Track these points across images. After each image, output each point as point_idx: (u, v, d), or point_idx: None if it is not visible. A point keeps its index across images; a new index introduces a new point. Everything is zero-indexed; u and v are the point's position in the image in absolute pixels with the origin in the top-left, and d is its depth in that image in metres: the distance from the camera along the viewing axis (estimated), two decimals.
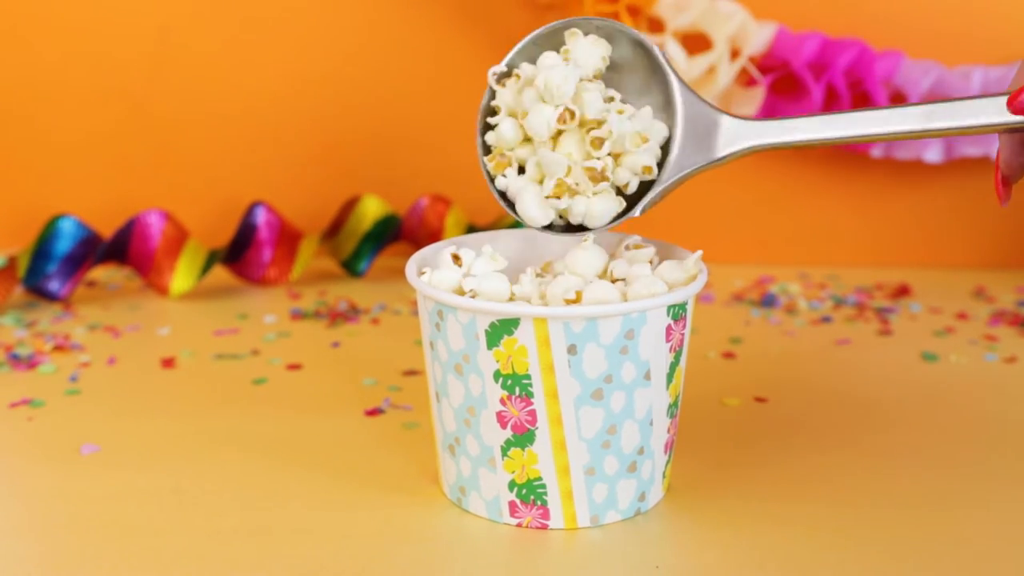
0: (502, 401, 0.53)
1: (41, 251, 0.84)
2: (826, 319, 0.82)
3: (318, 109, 0.94)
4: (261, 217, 0.88)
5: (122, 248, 0.86)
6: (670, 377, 0.55)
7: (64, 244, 0.85)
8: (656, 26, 0.88)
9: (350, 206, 0.90)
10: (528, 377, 0.52)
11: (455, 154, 0.93)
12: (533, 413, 0.53)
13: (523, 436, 0.53)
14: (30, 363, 0.74)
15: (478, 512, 0.56)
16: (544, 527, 0.55)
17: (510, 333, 0.52)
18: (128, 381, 0.72)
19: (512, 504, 0.55)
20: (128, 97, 0.93)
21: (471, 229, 0.89)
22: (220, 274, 0.90)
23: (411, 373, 0.72)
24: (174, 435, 0.64)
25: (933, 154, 0.88)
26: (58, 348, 0.77)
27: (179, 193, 0.94)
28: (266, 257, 0.88)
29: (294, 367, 0.74)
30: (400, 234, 0.90)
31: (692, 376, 0.69)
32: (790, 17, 0.88)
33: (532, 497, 0.54)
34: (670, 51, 0.86)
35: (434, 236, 0.89)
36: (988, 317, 0.82)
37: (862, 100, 0.88)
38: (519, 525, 0.55)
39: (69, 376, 0.72)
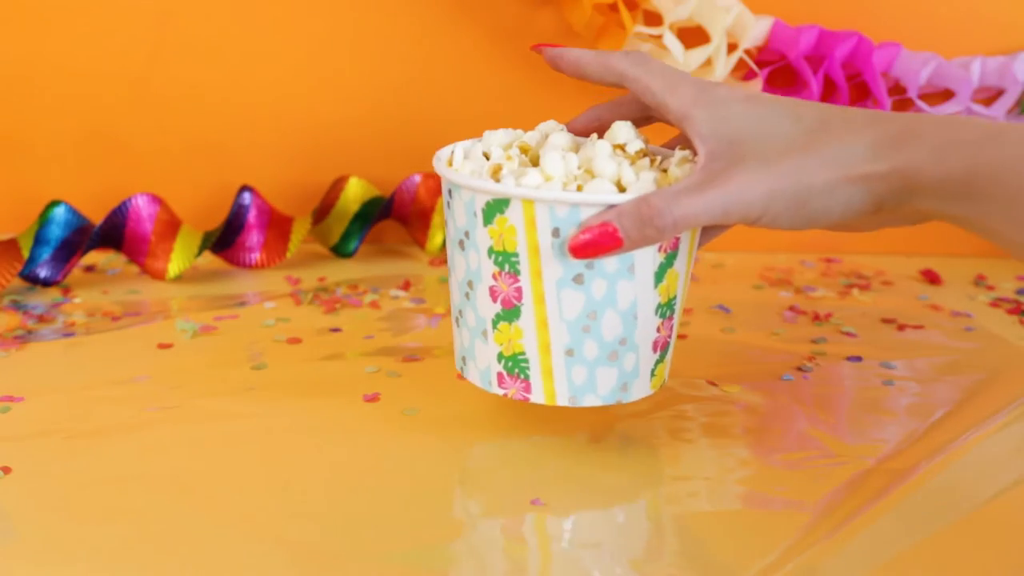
0: (494, 276, 0.57)
1: (35, 238, 0.84)
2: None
3: (304, 94, 0.94)
4: (250, 202, 0.88)
5: (116, 233, 0.86)
6: (659, 277, 0.57)
7: (55, 231, 0.85)
8: (653, 19, 0.88)
9: (336, 189, 0.91)
10: (516, 255, 0.56)
11: (445, 137, 0.93)
12: (520, 290, 0.56)
13: (510, 311, 0.57)
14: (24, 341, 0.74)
15: (474, 380, 0.60)
16: (526, 400, 0.58)
17: (502, 212, 0.55)
18: (126, 367, 0.71)
19: (500, 375, 0.58)
20: (116, 86, 0.93)
21: None
22: (213, 259, 0.90)
23: (411, 359, 0.72)
24: (171, 422, 0.64)
25: None
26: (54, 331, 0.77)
27: (161, 179, 0.94)
28: (256, 241, 0.88)
29: (293, 353, 0.74)
30: (389, 212, 0.91)
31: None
32: (787, 9, 0.89)
33: (516, 370, 0.58)
34: (667, 44, 0.86)
35: (425, 214, 0.89)
36: (988, 304, 0.82)
37: (860, 91, 0.88)
38: (505, 395, 0.59)
39: (63, 362, 0.72)
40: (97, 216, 0.88)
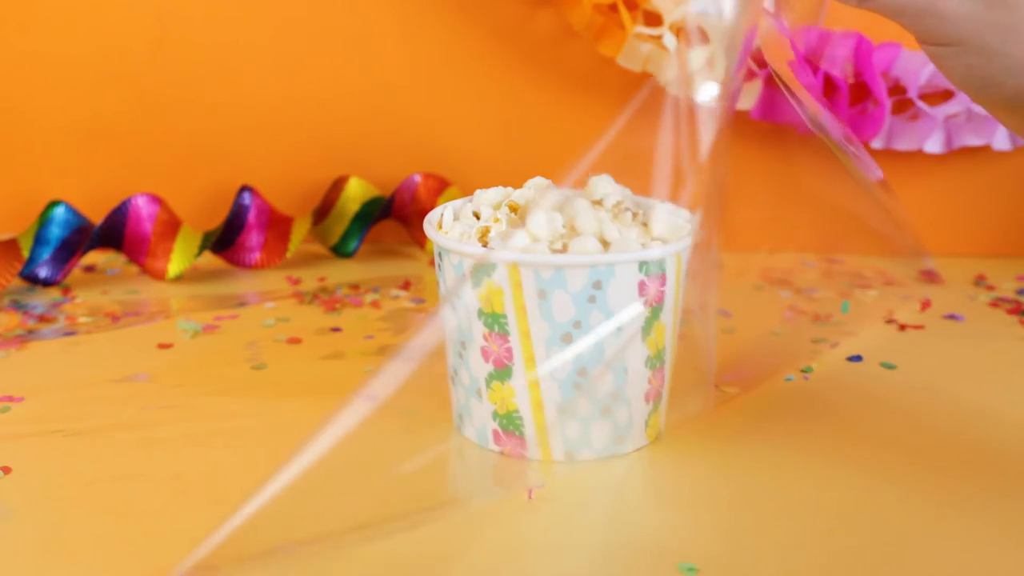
0: (485, 337, 0.57)
1: (35, 238, 0.84)
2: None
3: (304, 94, 0.94)
4: (250, 202, 0.88)
5: (116, 233, 0.86)
6: (647, 331, 0.58)
7: (55, 231, 0.85)
8: (653, 19, 0.88)
9: (336, 189, 0.91)
10: (504, 316, 0.56)
11: (445, 137, 0.93)
12: (509, 350, 0.57)
13: (502, 371, 0.58)
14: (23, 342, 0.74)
15: (471, 438, 0.61)
16: (523, 457, 0.59)
17: (489, 275, 0.56)
18: (126, 367, 0.71)
19: (495, 433, 0.59)
20: (114, 85, 0.93)
21: None
22: (213, 259, 0.90)
23: None
24: (171, 422, 0.64)
25: (934, 144, 0.88)
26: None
27: (161, 179, 0.94)
28: (256, 241, 0.88)
29: (293, 353, 0.74)
30: (389, 212, 0.91)
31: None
32: None
33: (511, 428, 0.59)
34: (668, 44, 0.86)
35: (425, 214, 0.89)
36: (988, 304, 0.82)
37: (861, 91, 0.88)
38: (502, 453, 0.59)
39: (63, 361, 0.72)
40: (97, 216, 0.88)
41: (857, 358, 0.72)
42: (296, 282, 0.86)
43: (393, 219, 0.92)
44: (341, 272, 0.89)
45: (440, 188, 0.91)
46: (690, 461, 0.59)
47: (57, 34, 0.92)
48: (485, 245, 0.57)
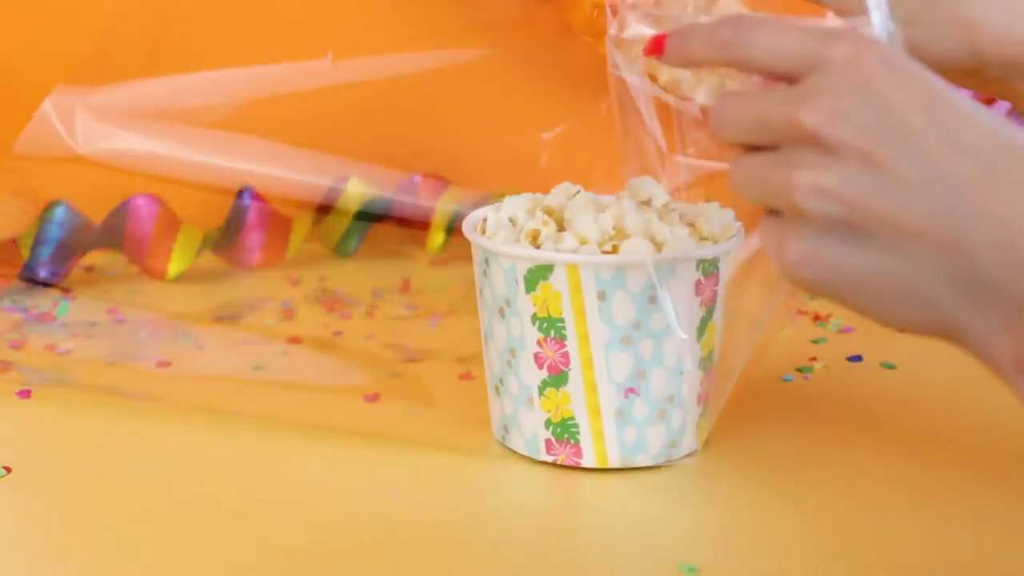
0: (538, 343, 0.56)
1: (35, 238, 0.84)
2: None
3: (305, 94, 0.94)
4: (250, 202, 0.88)
5: (116, 233, 0.86)
6: (701, 331, 0.57)
7: (55, 231, 0.84)
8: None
9: (336, 190, 0.91)
10: (562, 320, 0.55)
11: (445, 137, 0.93)
12: (566, 355, 0.56)
13: (557, 377, 0.56)
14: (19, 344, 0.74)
15: (518, 449, 0.59)
16: (577, 465, 0.58)
17: (545, 278, 0.55)
18: (126, 367, 0.71)
19: (548, 442, 0.58)
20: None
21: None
22: (213, 259, 0.90)
23: (411, 360, 0.72)
24: (171, 422, 0.64)
25: None
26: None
27: (161, 179, 0.93)
28: (256, 241, 0.88)
29: (294, 353, 0.74)
30: (389, 212, 0.90)
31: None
32: (787, 10, 0.88)
33: (566, 435, 0.57)
34: None
35: (424, 215, 0.89)
36: None
37: None
38: (555, 463, 0.58)
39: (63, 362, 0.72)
40: (97, 216, 0.88)
41: (857, 358, 0.73)
42: (296, 282, 0.86)
43: (393, 219, 0.91)
44: (341, 272, 0.89)
45: (440, 188, 0.91)
46: (688, 460, 0.59)
47: (57, 34, 0.92)
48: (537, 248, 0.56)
